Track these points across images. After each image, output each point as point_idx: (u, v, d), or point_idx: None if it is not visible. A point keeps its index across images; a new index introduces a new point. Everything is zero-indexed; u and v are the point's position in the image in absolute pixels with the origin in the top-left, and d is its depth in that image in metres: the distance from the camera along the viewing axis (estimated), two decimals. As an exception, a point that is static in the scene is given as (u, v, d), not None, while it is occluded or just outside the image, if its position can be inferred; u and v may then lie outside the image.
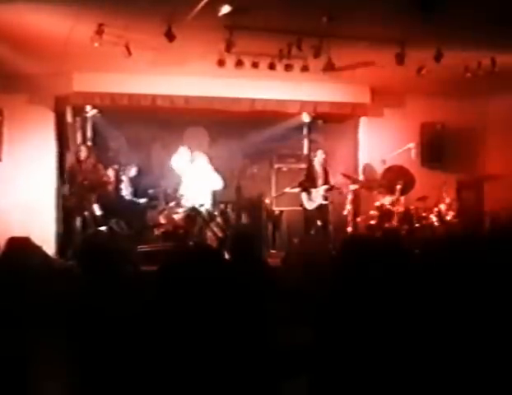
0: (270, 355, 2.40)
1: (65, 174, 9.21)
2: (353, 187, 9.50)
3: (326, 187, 9.48)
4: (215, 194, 9.47)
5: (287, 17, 6.52)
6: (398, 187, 9.25)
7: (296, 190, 9.65)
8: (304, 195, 9.55)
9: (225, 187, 9.60)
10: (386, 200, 9.30)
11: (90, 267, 4.12)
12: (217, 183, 9.45)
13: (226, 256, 5.17)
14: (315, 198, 9.46)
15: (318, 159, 9.67)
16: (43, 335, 4.25)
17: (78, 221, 8.92)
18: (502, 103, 10.61)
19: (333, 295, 2.61)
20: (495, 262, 2.66)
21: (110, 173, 9.41)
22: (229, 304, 2.21)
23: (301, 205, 9.63)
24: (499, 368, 2.31)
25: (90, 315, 3.65)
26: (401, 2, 5.90)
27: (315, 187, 9.50)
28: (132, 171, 9.76)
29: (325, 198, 9.45)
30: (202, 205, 9.14)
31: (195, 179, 9.33)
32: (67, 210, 9.07)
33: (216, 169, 9.58)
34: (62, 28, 6.77)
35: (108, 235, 8.40)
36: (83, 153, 9.13)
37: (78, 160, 9.12)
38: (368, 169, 10.31)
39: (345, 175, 9.71)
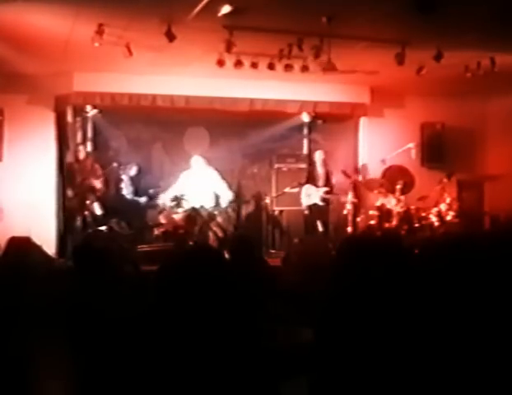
0: (270, 355, 2.41)
1: (64, 174, 9.21)
2: (351, 198, 9.44)
3: (325, 189, 9.46)
4: (218, 197, 9.46)
5: (287, 17, 6.52)
6: (398, 187, 9.26)
7: (296, 190, 9.63)
8: (304, 191, 9.54)
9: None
10: (386, 200, 9.31)
11: (86, 266, 4.12)
12: (227, 195, 9.44)
13: (227, 256, 5.18)
14: (313, 197, 9.45)
15: (319, 159, 9.67)
16: (43, 334, 4.25)
17: (79, 221, 8.93)
18: (502, 103, 10.62)
19: (333, 295, 2.61)
20: (495, 263, 2.66)
21: (108, 173, 9.37)
22: (229, 303, 2.22)
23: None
24: (499, 368, 2.32)
25: (89, 315, 3.65)
26: (401, 3, 5.90)
27: (317, 186, 9.49)
28: (133, 170, 9.77)
29: (322, 200, 9.43)
30: (202, 205, 9.15)
31: (201, 187, 9.30)
32: (69, 210, 9.07)
33: (218, 171, 9.57)
34: (62, 28, 6.78)
35: (107, 235, 8.41)
36: (81, 153, 9.14)
37: (77, 160, 9.13)
38: (364, 169, 10.29)
39: (345, 173, 9.71)
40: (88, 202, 8.84)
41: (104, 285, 3.96)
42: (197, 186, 9.27)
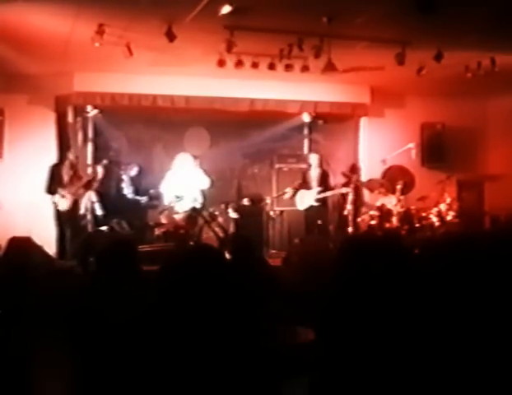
0: (270, 355, 2.41)
1: (55, 175, 9.08)
2: (345, 190, 9.41)
3: (318, 189, 9.44)
4: (204, 194, 9.36)
5: (287, 17, 6.53)
6: (399, 187, 9.25)
7: (291, 193, 9.59)
8: (298, 195, 9.53)
9: (213, 186, 9.38)
10: (386, 200, 9.31)
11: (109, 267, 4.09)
12: (204, 182, 9.37)
13: (227, 256, 5.18)
14: (307, 199, 9.44)
15: (314, 161, 9.62)
16: (43, 334, 4.25)
17: (76, 222, 8.89)
18: (502, 103, 10.62)
19: (334, 295, 2.62)
20: (495, 263, 2.66)
21: (99, 170, 9.34)
22: (230, 303, 2.22)
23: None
24: (499, 368, 2.32)
25: (90, 315, 3.66)
26: (401, 3, 5.90)
27: (310, 189, 9.47)
28: (134, 171, 9.77)
29: (317, 200, 9.41)
30: (203, 205, 9.14)
31: (183, 181, 9.25)
32: (62, 212, 9.00)
33: (210, 169, 9.52)
34: (62, 28, 6.78)
35: (108, 235, 8.41)
36: (71, 154, 9.10)
37: (66, 160, 9.08)
38: (356, 169, 10.27)
39: (345, 175, 9.72)
40: (79, 201, 8.81)
41: (106, 284, 3.96)
42: (185, 185, 9.21)
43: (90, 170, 9.41)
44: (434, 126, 10.86)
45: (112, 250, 4.25)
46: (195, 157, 9.45)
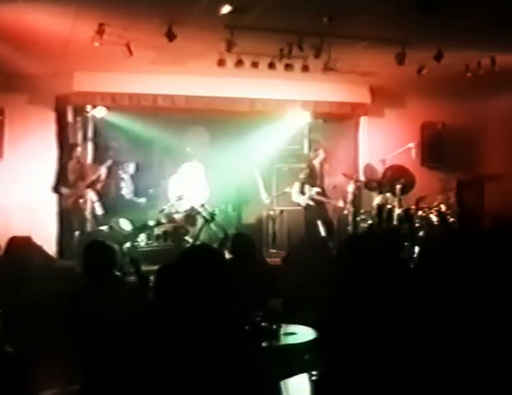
0: (270, 355, 2.41)
1: (60, 174, 9.13)
2: (342, 204, 9.44)
3: (317, 190, 9.45)
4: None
5: (288, 17, 6.53)
6: (398, 186, 9.25)
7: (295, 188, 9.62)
8: (297, 188, 9.53)
9: (211, 196, 9.52)
10: (386, 200, 9.30)
11: (95, 264, 4.10)
12: (204, 195, 9.45)
13: (227, 256, 5.19)
14: (305, 196, 9.46)
15: (319, 159, 9.66)
16: (43, 334, 4.25)
17: (76, 221, 8.92)
18: (502, 103, 10.62)
19: (333, 295, 2.62)
20: (495, 262, 2.67)
21: (103, 170, 9.37)
22: (229, 303, 2.22)
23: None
24: (498, 368, 2.32)
25: (90, 314, 3.66)
26: (401, 3, 5.90)
27: (314, 185, 9.49)
28: (131, 168, 9.75)
29: (312, 199, 9.42)
30: (202, 205, 9.15)
31: (186, 187, 9.34)
32: (65, 211, 9.04)
33: (210, 169, 9.55)
34: (62, 28, 6.78)
35: (108, 234, 8.41)
36: (77, 153, 9.13)
37: (71, 159, 9.12)
38: (369, 169, 10.32)
39: (345, 175, 9.72)
40: (82, 201, 8.83)
41: (105, 284, 3.96)
42: (187, 190, 9.30)
43: (94, 170, 9.43)
44: (434, 125, 10.86)
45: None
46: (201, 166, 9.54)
